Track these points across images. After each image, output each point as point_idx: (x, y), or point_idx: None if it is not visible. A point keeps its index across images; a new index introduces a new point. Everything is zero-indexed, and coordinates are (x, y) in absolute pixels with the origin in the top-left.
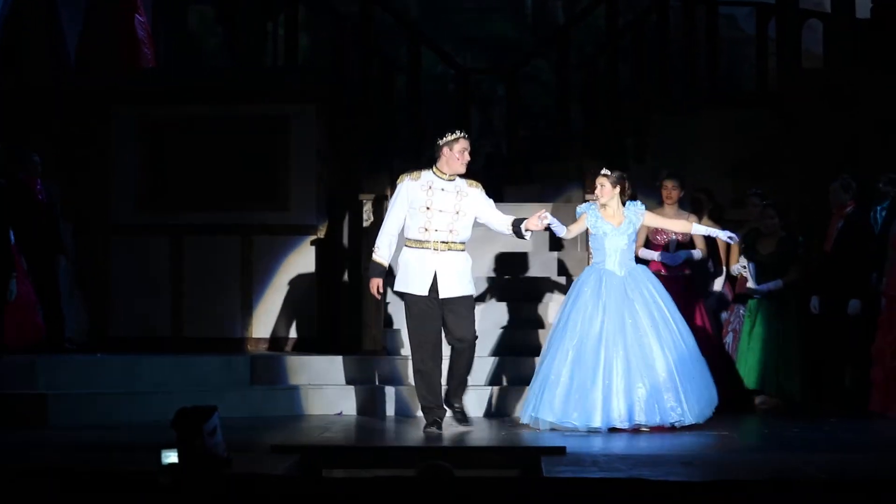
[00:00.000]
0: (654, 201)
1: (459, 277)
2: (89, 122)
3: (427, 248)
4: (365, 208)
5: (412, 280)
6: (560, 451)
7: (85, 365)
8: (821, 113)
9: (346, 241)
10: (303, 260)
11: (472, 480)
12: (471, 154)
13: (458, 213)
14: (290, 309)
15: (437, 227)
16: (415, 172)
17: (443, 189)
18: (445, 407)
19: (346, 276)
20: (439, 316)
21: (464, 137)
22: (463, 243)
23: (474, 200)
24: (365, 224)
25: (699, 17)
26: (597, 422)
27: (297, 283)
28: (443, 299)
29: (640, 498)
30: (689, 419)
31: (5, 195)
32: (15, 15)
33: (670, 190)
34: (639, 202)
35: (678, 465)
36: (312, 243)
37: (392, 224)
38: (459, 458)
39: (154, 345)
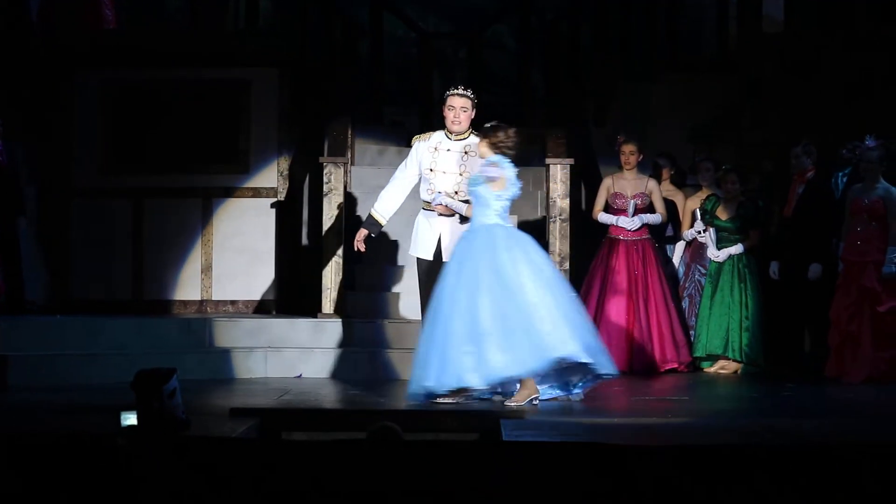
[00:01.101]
0: (615, 165)
1: (453, 241)
2: (51, 85)
3: (433, 210)
4: (325, 172)
5: (420, 244)
6: (520, 415)
7: (45, 326)
8: (782, 78)
9: (306, 204)
10: (263, 223)
11: (427, 444)
12: (432, 118)
13: (462, 174)
14: (251, 272)
15: (442, 190)
16: (427, 133)
17: (448, 150)
18: None
19: (306, 240)
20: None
21: (456, 94)
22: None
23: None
24: (325, 188)
25: None
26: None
27: (258, 246)
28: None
29: (601, 462)
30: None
31: None
32: None
33: (628, 155)
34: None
35: (639, 431)
36: (273, 206)
37: (393, 182)
38: (413, 421)
39: (114, 307)
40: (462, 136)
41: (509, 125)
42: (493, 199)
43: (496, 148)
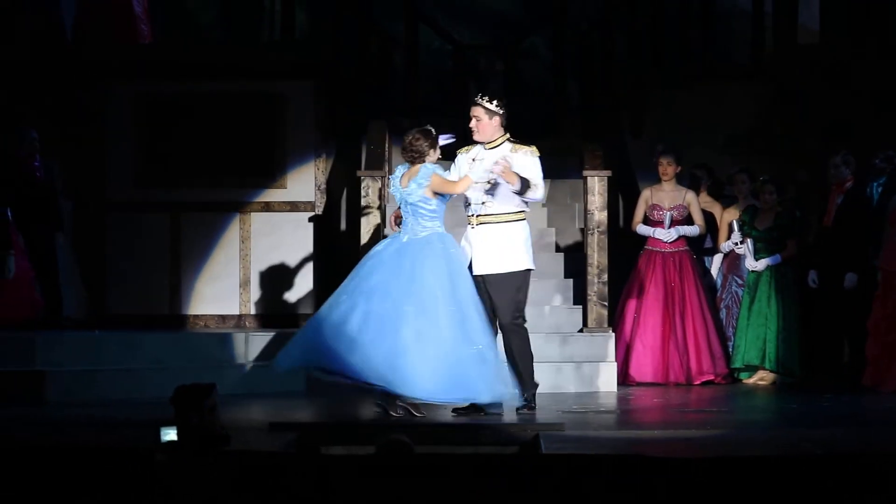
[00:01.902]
0: (652, 177)
1: (492, 253)
2: (86, 99)
3: (469, 224)
4: (363, 185)
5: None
6: (559, 427)
7: (83, 342)
8: (816, 87)
9: (344, 218)
10: (301, 237)
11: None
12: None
13: (490, 182)
14: (289, 286)
15: (472, 201)
16: (470, 146)
17: (482, 160)
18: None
19: (344, 254)
20: (484, 293)
21: (472, 103)
22: (503, 214)
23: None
24: (363, 201)
25: None
26: None
27: (296, 260)
28: (482, 276)
29: (642, 474)
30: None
31: (2, 173)
32: None
33: (666, 166)
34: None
35: (677, 442)
36: (310, 220)
37: None
38: (452, 435)
39: (152, 322)
40: (494, 146)
41: (416, 131)
42: (431, 209)
43: (406, 157)
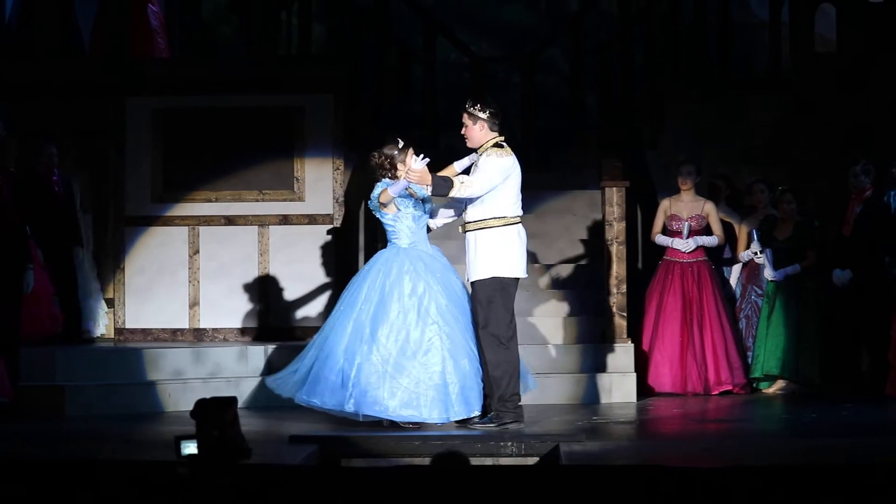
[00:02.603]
0: (671, 188)
1: (470, 261)
2: (104, 114)
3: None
4: None
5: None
6: (578, 438)
7: (102, 356)
8: (834, 97)
9: (362, 230)
10: (320, 250)
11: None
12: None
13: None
14: (308, 299)
15: (463, 210)
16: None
17: (474, 165)
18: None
19: (363, 266)
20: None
21: (463, 108)
22: (478, 221)
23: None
24: None
25: (712, 2)
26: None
27: (314, 273)
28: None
29: (661, 485)
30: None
31: (21, 188)
32: (27, 6)
33: (685, 176)
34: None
35: (698, 452)
36: (329, 233)
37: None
38: (471, 446)
39: (171, 335)
40: (483, 150)
41: (378, 148)
42: (386, 223)
43: (379, 175)
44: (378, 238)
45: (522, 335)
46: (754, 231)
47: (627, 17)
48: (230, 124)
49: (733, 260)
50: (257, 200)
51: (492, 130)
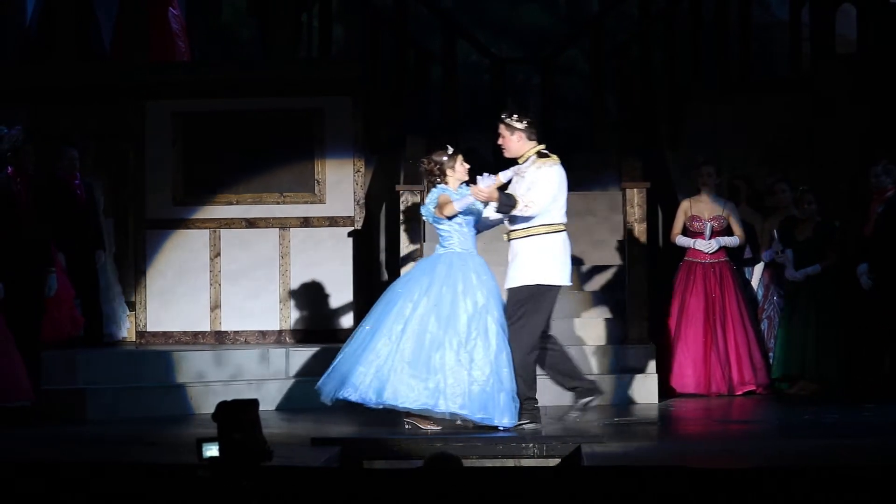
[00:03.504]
0: (691, 188)
1: (512, 268)
2: (124, 117)
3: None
4: (402, 199)
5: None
6: (600, 439)
7: (123, 359)
8: (855, 98)
9: (383, 233)
10: (340, 252)
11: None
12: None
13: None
14: (329, 301)
15: (507, 218)
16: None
17: (522, 176)
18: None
19: (384, 268)
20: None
21: (499, 120)
22: (525, 228)
23: (526, 180)
24: (402, 215)
25: (732, 2)
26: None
27: (335, 275)
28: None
29: (684, 486)
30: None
31: (43, 192)
32: (48, 10)
33: (706, 177)
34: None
35: (719, 453)
36: (349, 235)
37: None
38: (493, 447)
39: (192, 338)
40: (523, 160)
41: (426, 155)
42: (441, 229)
43: (429, 181)
44: (396, 240)
45: None
46: (775, 231)
47: (647, 17)
48: (250, 127)
49: (754, 260)
50: (278, 203)
51: (530, 140)
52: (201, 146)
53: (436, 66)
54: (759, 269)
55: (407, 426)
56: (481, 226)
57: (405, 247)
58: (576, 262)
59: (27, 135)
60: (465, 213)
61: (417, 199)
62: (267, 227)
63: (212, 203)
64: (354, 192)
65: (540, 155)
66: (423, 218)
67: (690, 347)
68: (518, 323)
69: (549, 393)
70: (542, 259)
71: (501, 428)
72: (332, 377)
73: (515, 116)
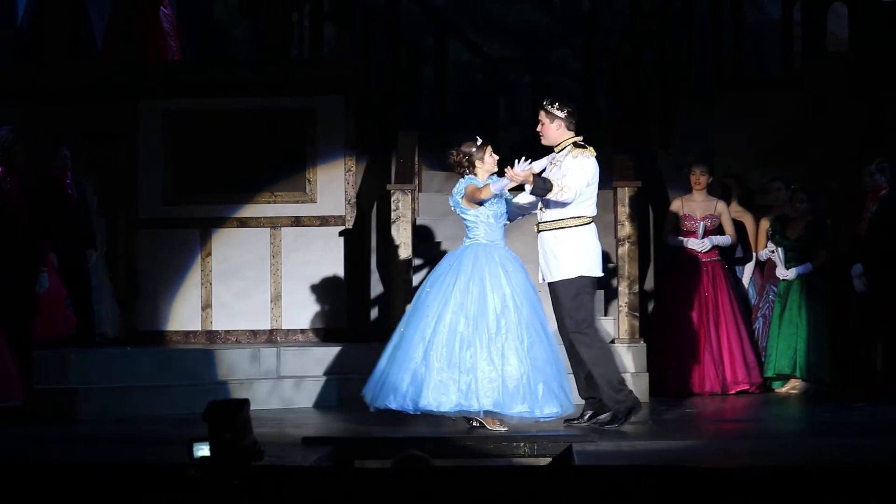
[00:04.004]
0: (682, 188)
1: (549, 261)
2: (115, 117)
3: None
4: (393, 199)
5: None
6: (592, 438)
7: (115, 359)
8: (846, 96)
9: (374, 232)
10: (332, 251)
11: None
12: (498, 143)
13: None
14: (320, 300)
15: (540, 208)
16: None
17: (557, 164)
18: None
19: (375, 268)
20: (553, 302)
21: (539, 106)
22: (557, 220)
23: (560, 169)
24: (393, 214)
25: (724, 1)
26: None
27: (327, 274)
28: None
29: (676, 485)
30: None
31: (35, 192)
32: (39, 9)
33: (698, 176)
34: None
35: (710, 452)
36: (341, 234)
37: None
38: (483, 447)
39: (184, 338)
40: (560, 149)
41: (458, 145)
42: (468, 220)
43: (458, 172)
44: (388, 239)
45: None
46: (767, 230)
47: (639, 16)
48: (242, 126)
49: (745, 259)
50: (269, 202)
51: (568, 129)
52: (193, 145)
53: (428, 65)
54: (749, 267)
55: (475, 423)
56: (512, 214)
57: (397, 245)
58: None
59: (17, 134)
60: (495, 201)
61: (409, 197)
62: (258, 227)
63: (203, 202)
64: (346, 192)
65: (577, 145)
66: (452, 208)
67: (683, 346)
68: (578, 319)
69: None
70: (583, 251)
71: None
72: (374, 383)
73: (557, 104)
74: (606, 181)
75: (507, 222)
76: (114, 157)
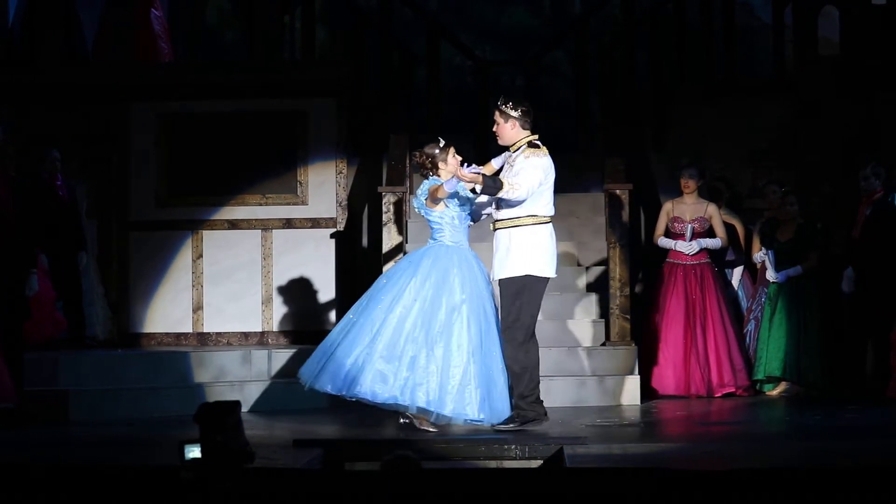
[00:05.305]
0: (675, 191)
1: (500, 258)
2: (107, 119)
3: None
4: (385, 201)
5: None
6: (582, 440)
7: (106, 361)
8: (837, 100)
9: (366, 234)
10: (323, 253)
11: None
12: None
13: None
14: (311, 302)
15: (495, 207)
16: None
17: (511, 164)
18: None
19: (366, 270)
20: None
21: (495, 106)
22: (512, 219)
23: (514, 168)
24: (384, 216)
25: (716, 4)
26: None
27: (318, 276)
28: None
29: (665, 488)
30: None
31: (26, 193)
32: (31, 11)
33: (687, 179)
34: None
35: (701, 454)
36: (332, 236)
37: None
38: (474, 449)
39: (175, 340)
40: (515, 149)
41: (422, 146)
42: (433, 220)
43: (422, 174)
44: (379, 241)
45: None
46: (758, 232)
47: (632, 19)
48: (233, 128)
49: (736, 262)
50: (260, 204)
51: (524, 129)
52: (184, 148)
53: (420, 67)
54: (738, 270)
55: (405, 421)
56: (475, 214)
57: (388, 247)
58: (558, 263)
59: (8, 136)
60: (460, 202)
61: (400, 200)
62: (249, 229)
63: (194, 204)
64: (337, 194)
65: (531, 145)
66: (416, 209)
67: (670, 349)
68: (511, 317)
69: (553, 394)
70: (532, 250)
71: (490, 425)
72: (313, 364)
73: (511, 104)
74: (598, 184)
75: (472, 223)
76: (105, 160)
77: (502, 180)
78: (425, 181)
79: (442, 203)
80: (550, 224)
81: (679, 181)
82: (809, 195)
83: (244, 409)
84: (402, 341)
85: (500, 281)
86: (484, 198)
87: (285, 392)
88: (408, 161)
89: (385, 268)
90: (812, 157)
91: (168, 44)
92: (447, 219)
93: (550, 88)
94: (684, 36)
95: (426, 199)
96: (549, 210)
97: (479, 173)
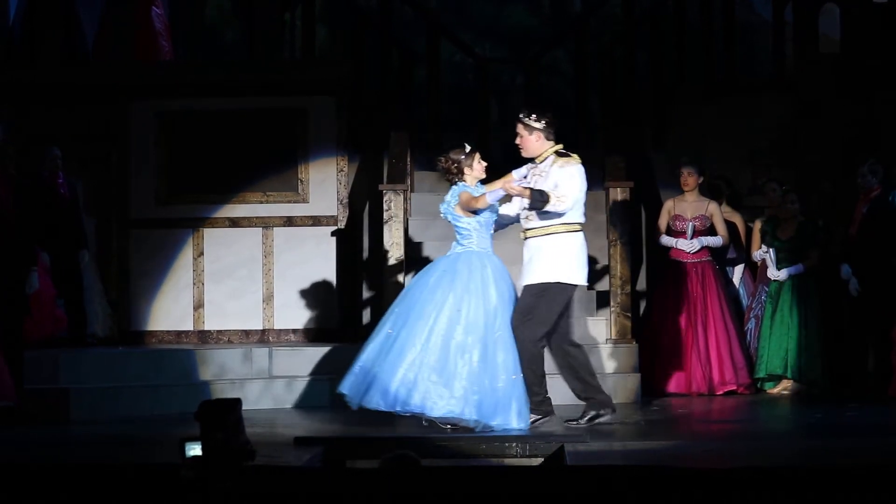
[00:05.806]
0: (675, 189)
1: (529, 266)
2: (107, 117)
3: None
4: (385, 199)
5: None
6: (583, 438)
7: (107, 359)
8: (838, 98)
9: (367, 232)
10: (324, 251)
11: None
12: (489, 145)
13: (510, 196)
14: (312, 300)
15: (511, 215)
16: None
17: (537, 175)
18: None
19: (367, 268)
20: None
21: (516, 119)
22: (543, 227)
23: (548, 179)
24: (385, 214)
25: (716, 4)
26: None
27: (319, 274)
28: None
29: (666, 486)
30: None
31: (27, 192)
32: (31, 10)
33: (686, 176)
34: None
35: (702, 453)
36: (333, 234)
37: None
38: (476, 447)
39: (176, 338)
40: (541, 160)
41: (448, 152)
42: (461, 227)
43: (446, 179)
44: (380, 239)
45: None
46: (759, 230)
47: (632, 19)
48: (234, 127)
49: (737, 260)
50: (261, 202)
51: (548, 140)
52: (185, 146)
53: (420, 66)
54: (739, 268)
55: (425, 423)
56: (498, 224)
57: (389, 245)
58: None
59: (9, 135)
60: (490, 209)
61: (401, 198)
62: (250, 227)
63: (195, 202)
64: (338, 192)
65: (559, 154)
66: (441, 214)
67: (671, 347)
68: (527, 314)
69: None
70: (562, 258)
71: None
72: (358, 382)
73: (534, 116)
74: (598, 183)
75: (494, 232)
76: (106, 158)
77: (549, 193)
78: (454, 187)
79: (469, 211)
80: (582, 232)
81: (679, 179)
82: (809, 193)
83: (245, 406)
84: (451, 354)
85: (526, 286)
86: (513, 209)
87: (286, 390)
88: (408, 159)
89: (385, 269)
90: (812, 156)
91: (168, 42)
92: (475, 225)
93: (550, 88)
94: (684, 35)
95: (456, 206)
96: (580, 217)
97: (527, 187)
